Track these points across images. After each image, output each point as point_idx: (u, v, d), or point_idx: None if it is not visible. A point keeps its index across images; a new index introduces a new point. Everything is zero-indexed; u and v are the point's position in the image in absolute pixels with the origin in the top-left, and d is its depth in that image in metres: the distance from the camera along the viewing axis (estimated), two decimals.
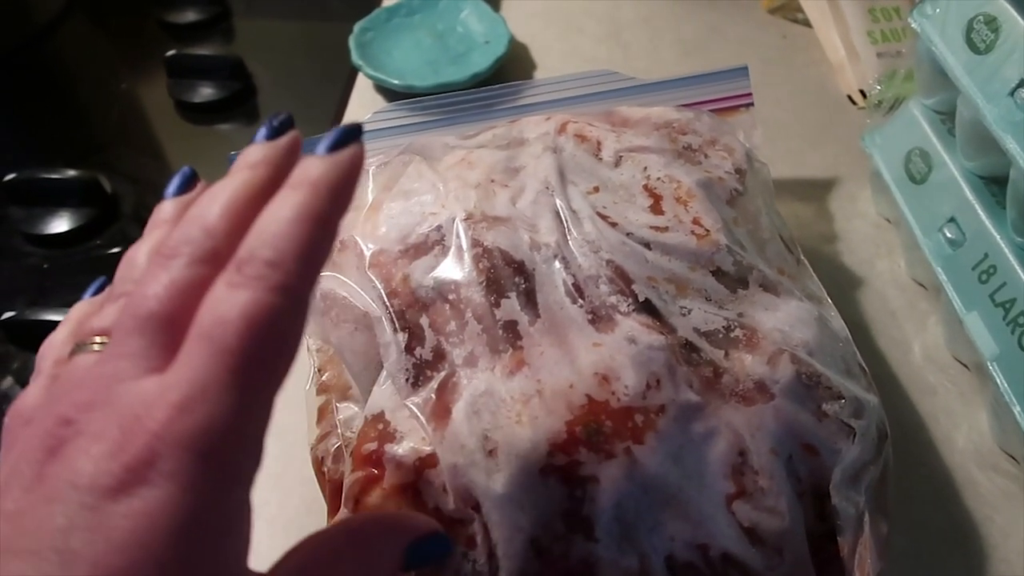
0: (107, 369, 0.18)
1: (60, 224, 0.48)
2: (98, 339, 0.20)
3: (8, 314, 0.42)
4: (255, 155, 0.20)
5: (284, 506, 0.36)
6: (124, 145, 0.54)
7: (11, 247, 0.48)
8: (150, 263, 0.19)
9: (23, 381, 0.41)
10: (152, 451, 0.16)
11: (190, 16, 0.64)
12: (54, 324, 0.41)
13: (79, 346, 0.20)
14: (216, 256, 0.18)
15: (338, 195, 0.19)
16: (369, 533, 0.21)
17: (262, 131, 0.21)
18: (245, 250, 0.18)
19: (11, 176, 0.49)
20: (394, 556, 0.21)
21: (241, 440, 0.17)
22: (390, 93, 0.55)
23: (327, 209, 0.18)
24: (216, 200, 0.19)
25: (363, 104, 0.56)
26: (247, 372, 0.17)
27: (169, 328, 0.18)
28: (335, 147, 0.19)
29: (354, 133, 0.19)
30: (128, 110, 0.58)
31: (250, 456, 0.17)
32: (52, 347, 0.23)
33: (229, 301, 0.17)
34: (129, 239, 0.48)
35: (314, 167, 0.19)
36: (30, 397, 0.22)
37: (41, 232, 0.48)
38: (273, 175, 0.20)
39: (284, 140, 0.21)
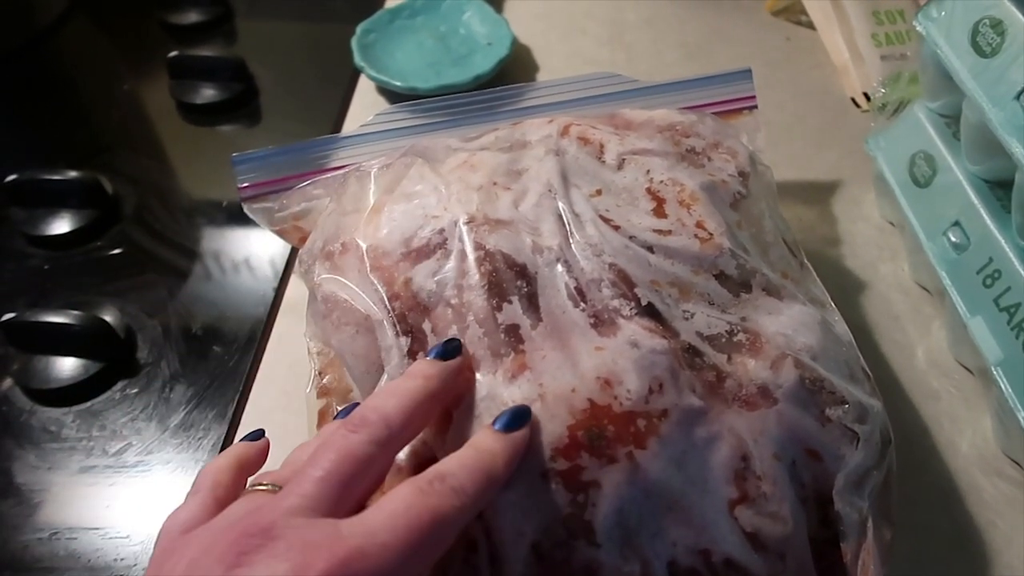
0: (287, 503, 0.22)
1: (61, 225, 0.48)
2: (269, 484, 0.25)
3: (8, 315, 0.42)
4: (430, 369, 0.27)
5: None
6: (126, 146, 0.54)
7: (12, 248, 0.48)
8: (332, 434, 0.24)
9: (23, 383, 0.41)
10: None
11: (192, 17, 0.64)
12: (55, 326, 0.41)
13: (253, 484, 0.25)
14: (389, 443, 0.24)
15: (510, 464, 0.26)
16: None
17: (436, 349, 0.28)
18: (444, 468, 0.24)
19: (12, 177, 0.48)
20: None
21: None
22: (392, 95, 0.55)
23: (503, 473, 0.25)
24: (394, 397, 0.25)
25: (365, 106, 0.56)
26: (416, 546, 0.21)
27: (341, 489, 0.23)
28: (509, 428, 0.26)
29: (525, 416, 0.26)
30: (130, 111, 0.58)
31: None
32: (215, 471, 0.26)
33: (419, 498, 0.22)
34: (130, 240, 0.48)
35: (496, 440, 0.26)
36: (190, 511, 0.24)
37: (42, 233, 0.48)
38: (442, 388, 0.27)
39: (454, 363, 0.28)
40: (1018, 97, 0.32)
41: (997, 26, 0.34)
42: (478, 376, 0.29)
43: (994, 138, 0.34)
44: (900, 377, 0.40)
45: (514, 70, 0.57)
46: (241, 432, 0.39)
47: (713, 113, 0.43)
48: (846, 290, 0.43)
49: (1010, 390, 0.34)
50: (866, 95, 0.54)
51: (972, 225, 0.37)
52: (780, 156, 0.49)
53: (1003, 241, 0.35)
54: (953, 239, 0.38)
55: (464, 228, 0.32)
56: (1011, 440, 0.36)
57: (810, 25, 0.60)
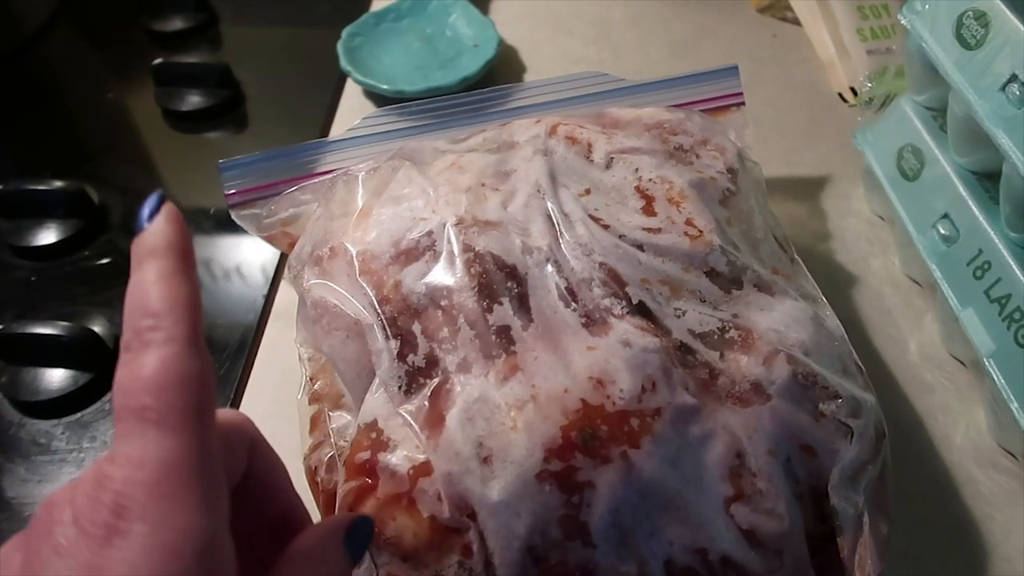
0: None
1: (48, 236, 0.47)
2: None
3: None
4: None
5: None
6: (112, 155, 0.54)
7: None
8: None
9: (11, 395, 0.40)
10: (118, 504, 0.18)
11: (177, 24, 0.63)
12: (43, 337, 0.41)
13: None
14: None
15: (174, 247, 0.20)
16: (318, 553, 0.23)
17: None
18: (128, 327, 0.20)
19: None
20: (342, 557, 0.23)
21: (196, 471, 0.18)
22: (379, 98, 0.55)
23: (174, 264, 0.20)
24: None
25: (352, 110, 0.55)
26: (172, 419, 0.18)
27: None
28: (152, 215, 0.21)
29: (160, 198, 0.21)
30: (115, 120, 0.57)
31: (208, 486, 0.19)
32: None
33: (127, 368, 0.19)
34: (118, 250, 0.48)
35: (148, 238, 0.21)
36: None
37: (29, 244, 0.47)
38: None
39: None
40: (1003, 88, 0.32)
41: (981, 18, 0.34)
42: (470, 379, 0.29)
43: (980, 130, 0.34)
44: (893, 371, 0.40)
45: (501, 71, 0.57)
46: None
47: (701, 110, 0.43)
48: (837, 285, 0.43)
49: (1003, 381, 0.34)
50: (853, 90, 0.54)
51: (961, 217, 0.37)
52: (769, 152, 0.49)
53: (992, 232, 0.35)
54: (943, 232, 0.38)
55: (453, 230, 0.32)
56: (1005, 431, 0.36)
57: (796, 21, 0.60)
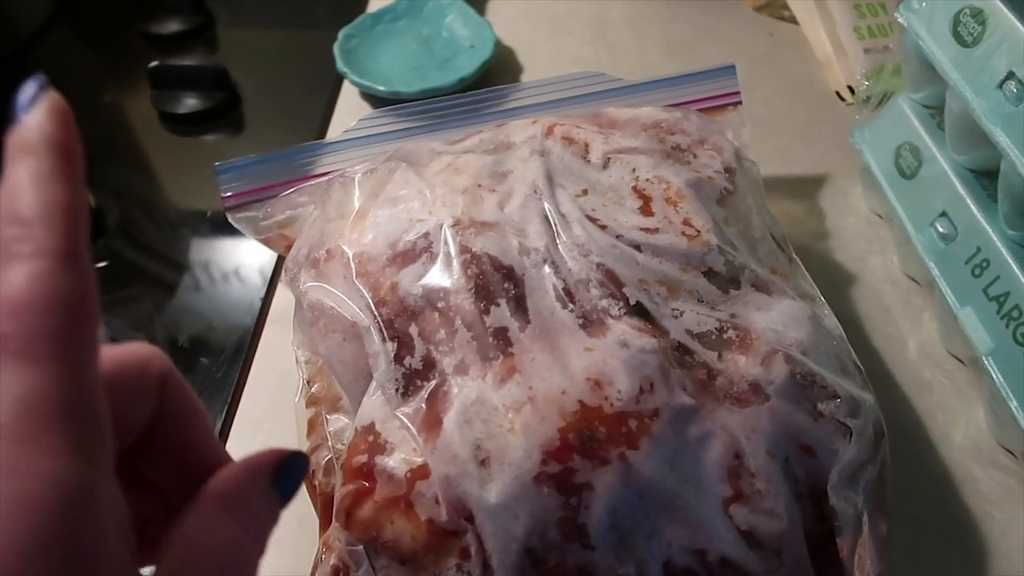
0: None
1: None
2: None
3: None
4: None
5: None
6: (108, 158, 0.54)
7: None
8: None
9: None
10: None
11: (173, 26, 0.63)
12: None
13: None
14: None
15: (55, 143, 0.17)
16: (236, 492, 0.20)
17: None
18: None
19: None
20: (269, 497, 0.20)
21: (64, 409, 0.15)
22: (376, 99, 0.55)
23: (53, 163, 0.17)
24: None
25: (349, 111, 0.55)
26: (36, 347, 0.15)
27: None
28: (30, 105, 0.18)
29: (40, 85, 0.18)
30: (112, 123, 0.57)
31: (82, 427, 0.15)
32: None
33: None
34: (115, 253, 0.47)
35: (23, 133, 0.17)
36: None
37: None
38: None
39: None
40: (1000, 86, 0.32)
41: (978, 15, 0.34)
42: (467, 381, 0.29)
43: (978, 127, 0.33)
44: (892, 369, 0.39)
45: (498, 72, 0.57)
46: (232, 442, 0.38)
47: (698, 110, 0.42)
48: (836, 284, 0.43)
49: (1001, 379, 0.34)
50: (850, 88, 0.54)
51: (959, 215, 0.37)
52: (766, 151, 0.49)
53: (990, 230, 0.35)
54: (941, 230, 0.38)
55: (449, 231, 0.32)
56: (1004, 429, 0.36)
57: (793, 20, 0.60)
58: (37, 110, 0.17)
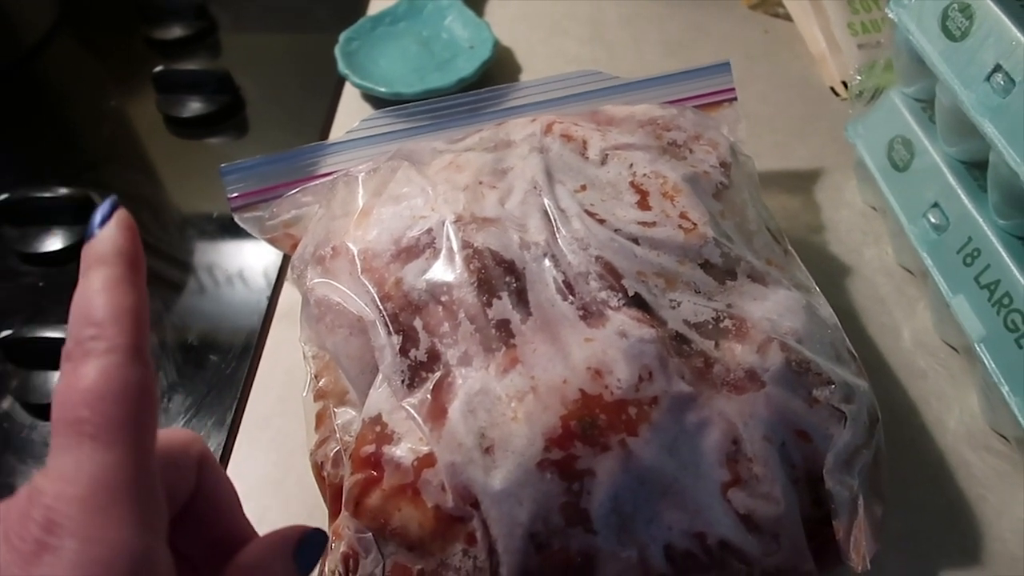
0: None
1: (54, 242, 0.48)
2: None
3: (5, 332, 0.42)
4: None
5: (286, 512, 0.36)
6: (115, 162, 0.55)
7: (6, 267, 0.48)
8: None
9: (22, 400, 0.41)
10: (48, 519, 0.17)
11: (177, 32, 0.64)
12: (52, 341, 0.41)
13: None
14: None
15: (123, 254, 0.20)
16: (261, 563, 0.22)
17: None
18: (71, 337, 0.19)
19: (4, 196, 0.49)
20: (290, 569, 0.23)
21: (130, 486, 0.18)
22: (377, 101, 0.56)
23: (122, 272, 0.19)
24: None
25: (351, 113, 0.56)
26: (108, 432, 0.18)
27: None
28: (103, 222, 0.20)
29: (113, 205, 0.21)
30: (118, 127, 0.58)
31: (144, 501, 0.18)
32: None
33: (66, 380, 0.18)
34: None
35: (96, 245, 0.20)
36: None
37: (36, 251, 0.48)
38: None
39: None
40: (988, 79, 0.33)
41: (965, 10, 0.35)
42: (471, 372, 0.30)
43: (967, 120, 0.34)
44: (887, 358, 0.40)
45: (497, 72, 0.58)
46: (241, 437, 0.39)
47: (694, 106, 0.43)
48: (832, 275, 0.44)
49: (993, 365, 0.35)
50: (844, 83, 0.55)
51: (950, 206, 0.38)
52: (762, 146, 0.50)
53: (981, 220, 0.36)
54: (933, 220, 0.39)
55: (451, 227, 0.33)
56: (997, 415, 0.36)
57: (787, 17, 0.61)
58: (110, 225, 0.20)
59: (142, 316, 0.19)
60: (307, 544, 0.23)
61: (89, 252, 0.20)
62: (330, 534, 0.31)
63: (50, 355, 0.41)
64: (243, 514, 0.25)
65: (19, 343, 0.42)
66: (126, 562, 0.17)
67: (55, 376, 0.41)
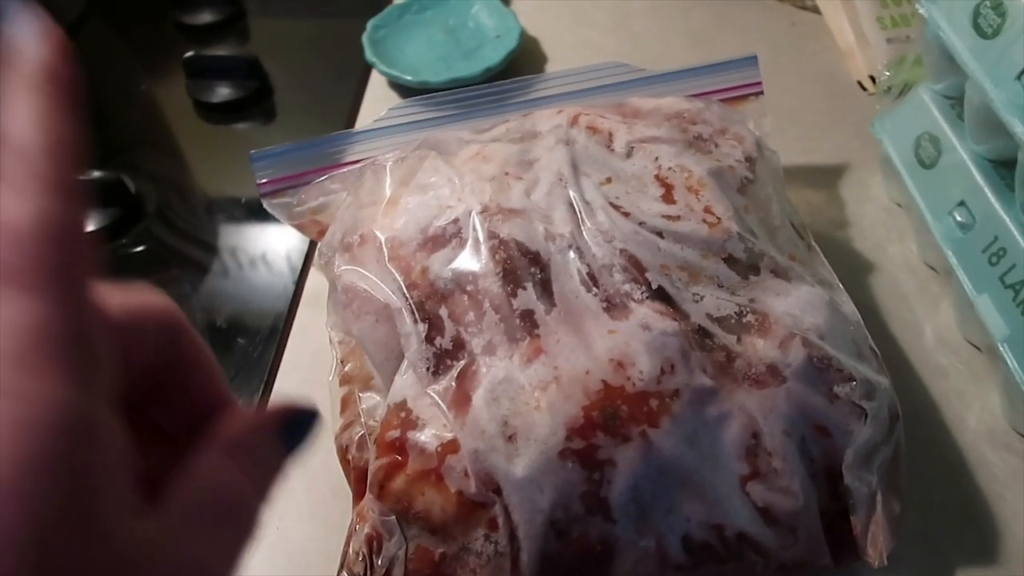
0: None
1: (87, 224, 0.49)
2: None
3: None
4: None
5: (311, 492, 0.37)
6: (146, 145, 0.56)
7: None
8: None
9: None
10: None
11: (206, 17, 0.65)
12: None
13: None
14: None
15: (56, 75, 0.17)
16: (240, 438, 0.20)
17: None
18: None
19: None
20: (274, 446, 0.21)
21: (63, 338, 0.15)
22: (404, 89, 0.56)
23: (56, 97, 0.17)
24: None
25: (377, 100, 0.57)
26: (33, 278, 0.15)
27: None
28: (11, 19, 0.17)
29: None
30: (148, 111, 0.59)
31: (81, 357, 0.16)
32: None
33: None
34: (154, 237, 0.49)
35: (25, 66, 0.17)
36: None
37: None
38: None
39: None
40: (1019, 77, 0.33)
41: (998, 7, 0.34)
42: (495, 361, 0.30)
43: (997, 118, 0.34)
44: (909, 355, 0.40)
45: (523, 61, 0.58)
46: None
47: (720, 100, 0.43)
48: (855, 271, 0.44)
49: (1016, 366, 0.35)
50: (872, 78, 0.54)
51: (977, 204, 0.38)
52: (787, 140, 0.50)
53: (1008, 219, 0.36)
54: (959, 219, 0.39)
55: (478, 218, 0.33)
56: (1018, 414, 0.36)
57: (815, 9, 0.61)
58: (39, 39, 0.17)
59: (75, 148, 0.17)
60: (295, 421, 0.21)
61: (17, 70, 0.16)
62: (354, 515, 0.31)
63: None
64: (224, 384, 0.22)
65: None
66: (58, 422, 0.15)
67: None
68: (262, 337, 0.43)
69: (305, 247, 0.48)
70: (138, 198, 0.51)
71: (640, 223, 0.33)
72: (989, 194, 0.37)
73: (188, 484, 0.18)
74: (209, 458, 0.19)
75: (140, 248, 0.49)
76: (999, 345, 0.35)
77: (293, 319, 0.44)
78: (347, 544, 0.31)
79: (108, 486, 0.16)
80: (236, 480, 0.19)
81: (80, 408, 0.15)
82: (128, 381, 0.18)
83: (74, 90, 0.17)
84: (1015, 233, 0.35)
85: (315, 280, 0.46)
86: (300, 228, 0.42)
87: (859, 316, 0.34)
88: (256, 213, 0.48)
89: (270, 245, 0.48)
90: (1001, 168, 0.38)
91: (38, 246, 0.15)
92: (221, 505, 0.18)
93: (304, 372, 0.42)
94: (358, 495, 0.32)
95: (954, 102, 0.41)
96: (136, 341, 0.19)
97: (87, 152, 0.17)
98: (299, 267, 0.47)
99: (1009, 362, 0.35)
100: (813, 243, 0.38)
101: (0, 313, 0.15)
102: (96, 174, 0.50)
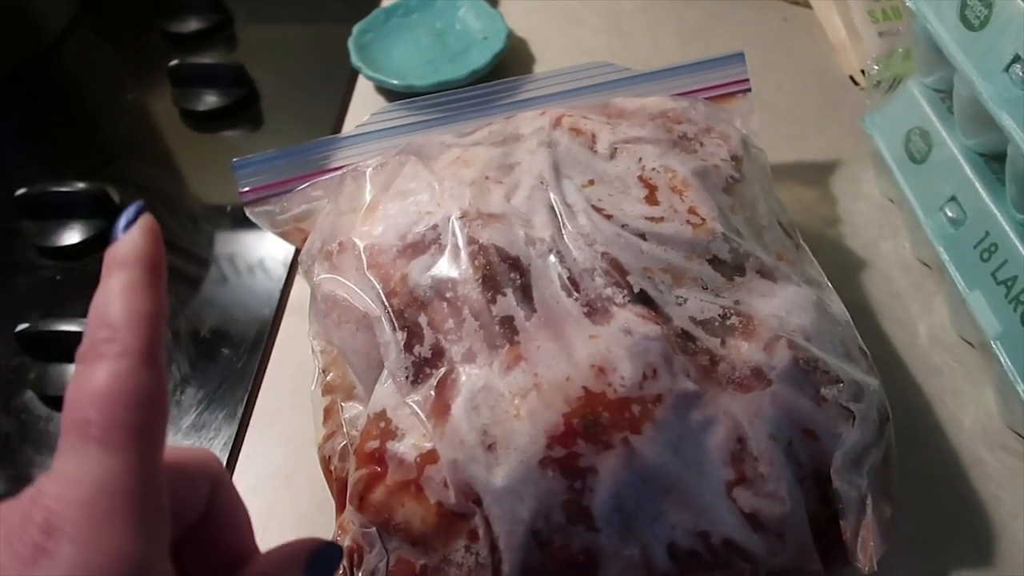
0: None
1: (71, 236, 0.49)
2: None
3: (23, 325, 0.43)
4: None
5: (295, 505, 0.36)
6: (132, 156, 0.55)
7: (25, 260, 0.49)
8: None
9: (40, 392, 0.42)
10: (48, 522, 0.17)
11: (193, 25, 0.64)
12: (69, 335, 0.42)
13: None
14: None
15: (144, 259, 0.20)
16: (270, 573, 0.22)
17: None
18: (86, 339, 0.19)
19: (23, 191, 0.50)
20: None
21: (134, 493, 0.18)
22: (391, 93, 0.56)
23: (141, 276, 0.19)
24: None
25: (364, 105, 0.56)
26: (114, 436, 0.17)
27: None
28: (128, 226, 0.21)
29: (139, 209, 0.21)
30: (135, 121, 0.58)
31: (146, 510, 0.18)
32: None
33: (78, 381, 0.18)
34: None
35: (118, 248, 0.20)
36: None
37: (53, 244, 0.49)
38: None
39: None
40: (1007, 69, 0.32)
41: None
42: (474, 369, 0.30)
43: (986, 111, 0.33)
44: (902, 354, 0.40)
45: (511, 63, 0.57)
46: (252, 430, 0.40)
47: (707, 98, 0.43)
48: (847, 269, 0.43)
49: (1009, 363, 0.34)
50: (864, 72, 0.53)
51: (968, 199, 0.37)
52: (778, 136, 0.49)
53: (999, 214, 0.35)
54: (950, 214, 0.38)
55: (457, 223, 0.33)
56: (1013, 413, 0.36)
57: (807, 4, 0.60)
58: (134, 229, 0.20)
59: (158, 322, 0.19)
60: (321, 558, 0.23)
61: (111, 255, 0.20)
62: (336, 527, 0.31)
63: (67, 348, 0.42)
64: (253, 539, 0.24)
65: (37, 336, 0.42)
66: (123, 572, 0.17)
67: (72, 368, 0.42)
68: (247, 347, 0.43)
69: (290, 255, 0.47)
70: (123, 209, 0.50)
71: (623, 225, 0.33)
72: (980, 189, 0.36)
73: None
74: None
75: None
76: (992, 343, 0.35)
77: (278, 328, 0.44)
78: None
79: None
80: None
81: (143, 560, 0.17)
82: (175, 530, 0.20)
83: (159, 270, 0.20)
84: (1006, 228, 0.35)
85: (300, 288, 0.45)
86: (284, 236, 0.41)
87: (848, 316, 0.34)
88: (242, 222, 0.48)
89: (256, 254, 0.48)
90: (992, 162, 0.37)
91: (115, 408, 0.17)
92: None
93: (288, 381, 0.41)
94: (340, 506, 0.32)
95: (944, 96, 0.41)
96: (181, 488, 0.21)
97: (166, 327, 0.19)
98: (284, 276, 0.46)
99: (1002, 360, 0.34)
100: (802, 242, 0.38)
101: (80, 466, 0.17)
102: (80, 185, 0.50)
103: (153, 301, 0.19)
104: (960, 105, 0.37)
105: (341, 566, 0.26)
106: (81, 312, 0.44)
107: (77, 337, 0.42)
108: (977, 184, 0.37)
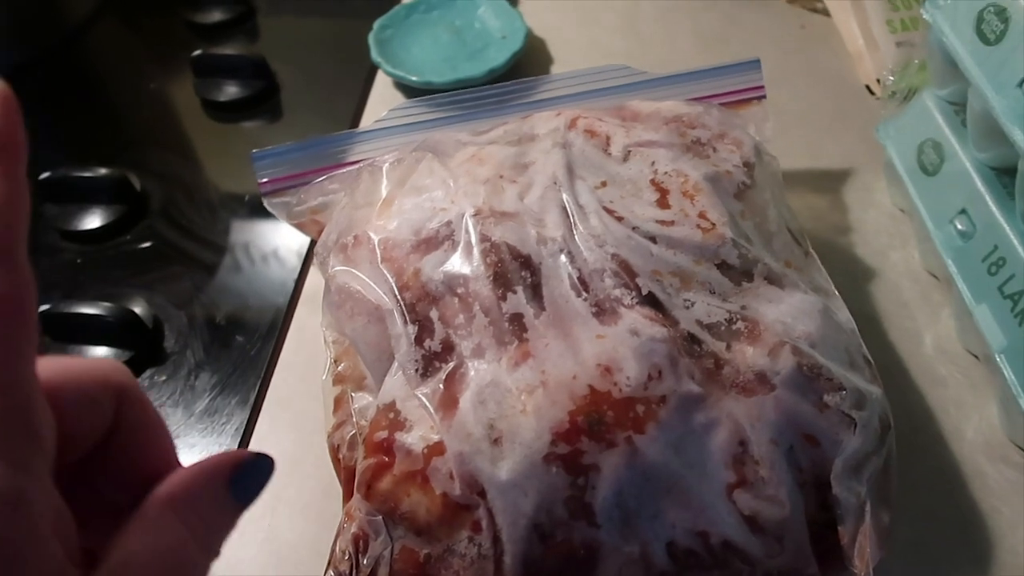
0: None
1: (92, 220, 0.50)
2: None
3: (44, 307, 0.44)
4: None
5: (302, 491, 0.37)
6: (153, 143, 0.56)
7: (46, 243, 0.50)
8: None
9: None
10: None
11: (216, 16, 0.65)
12: (88, 317, 0.43)
13: None
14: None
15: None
16: (185, 495, 0.19)
17: None
18: None
19: (46, 175, 0.50)
20: (223, 500, 0.20)
21: None
22: (409, 89, 0.56)
23: None
24: None
25: (383, 100, 0.57)
26: None
27: None
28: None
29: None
30: (157, 109, 0.59)
31: (13, 435, 0.15)
32: None
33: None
34: (158, 234, 0.50)
35: None
36: None
37: (74, 228, 0.50)
38: None
39: None
40: (1020, 85, 0.32)
41: (1001, 13, 0.34)
42: (483, 364, 0.30)
43: (998, 125, 0.34)
44: (907, 364, 0.40)
45: (528, 63, 0.58)
46: (263, 417, 0.40)
47: (722, 104, 0.43)
48: (856, 277, 0.44)
49: (1013, 377, 0.34)
50: (880, 82, 0.54)
51: (978, 213, 0.37)
52: (792, 144, 0.50)
53: (1008, 229, 0.35)
54: (960, 227, 0.38)
55: (470, 220, 0.33)
56: (1016, 427, 0.36)
57: (825, 12, 0.60)
58: None
59: (15, 213, 0.16)
60: (246, 471, 0.20)
61: None
62: (343, 514, 0.32)
63: (87, 330, 0.43)
64: (174, 453, 0.21)
65: (56, 318, 0.43)
66: None
67: (88, 350, 0.43)
68: (260, 335, 0.44)
69: (305, 246, 0.48)
70: (143, 195, 0.51)
71: (633, 228, 0.33)
72: (990, 203, 0.37)
73: (128, 546, 0.18)
74: (151, 517, 0.18)
75: (144, 245, 0.49)
76: (997, 356, 0.35)
77: (292, 317, 0.45)
78: (335, 543, 0.31)
79: (38, 556, 0.15)
80: (180, 539, 0.18)
81: (14, 490, 0.15)
82: (66, 451, 0.18)
83: (15, 153, 0.16)
84: (1015, 242, 0.35)
85: (314, 279, 0.46)
86: (300, 227, 0.42)
87: (854, 324, 0.34)
88: (259, 211, 0.48)
89: (271, 243, 0.49)
90: (1004, 176, 0.37)
91: None
92: (165, 567, 0.18)
93: (300, 371, 0.42)
94: (347, 494, 0.33)
95: (958, 108, 0.41)
96: (76, 407, 0.19)
97: (28, 218, 0.16)
98: (298, 266, 0.47)
99: (1006, 373, 0.34)
100: (811, 249, 0.38)
101: None
102: (102, 171, 0.51)
103: (7, 189, 0.15)
104: (973, 118, 0.37)
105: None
106: (101, 295, 0.46)
107: (97, 320, 0.43)
108: (988, 198, 0.37)
